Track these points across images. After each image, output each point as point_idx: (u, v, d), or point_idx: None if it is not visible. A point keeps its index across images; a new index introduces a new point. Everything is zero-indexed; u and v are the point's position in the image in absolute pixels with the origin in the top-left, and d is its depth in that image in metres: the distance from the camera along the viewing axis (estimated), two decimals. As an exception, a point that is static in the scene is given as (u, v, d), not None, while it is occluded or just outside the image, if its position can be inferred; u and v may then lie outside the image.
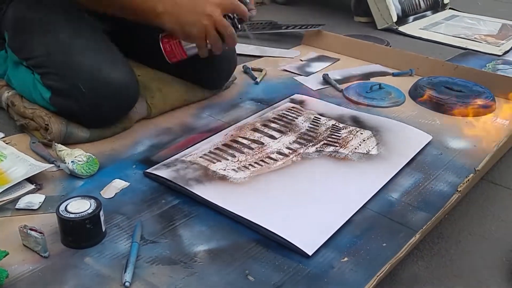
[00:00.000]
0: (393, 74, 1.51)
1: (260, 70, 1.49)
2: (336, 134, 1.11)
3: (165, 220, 0.84)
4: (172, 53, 1.07)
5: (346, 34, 1.83)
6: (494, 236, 0.89)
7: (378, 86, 1.38)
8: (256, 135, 1.09)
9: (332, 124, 1.16)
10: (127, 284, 0.70)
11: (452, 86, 1.36)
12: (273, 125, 1.14)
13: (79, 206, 0.77)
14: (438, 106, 1.28)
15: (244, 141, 1.06)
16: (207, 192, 0.89)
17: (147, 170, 0.96)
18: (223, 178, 0.94)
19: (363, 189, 0.93)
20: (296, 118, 1.18)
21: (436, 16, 2.31)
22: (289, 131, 1.11)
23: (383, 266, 0.73)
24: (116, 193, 0.90)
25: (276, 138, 1.08)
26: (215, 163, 0.98)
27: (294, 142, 1.07)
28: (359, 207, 0.88)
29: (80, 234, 0.77)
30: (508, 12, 2.43)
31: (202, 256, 0.77)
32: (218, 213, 0.86)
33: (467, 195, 0.99)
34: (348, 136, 1.10)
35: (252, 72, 1.46)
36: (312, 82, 1.44)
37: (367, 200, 0.90)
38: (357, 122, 1.18)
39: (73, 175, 0.94)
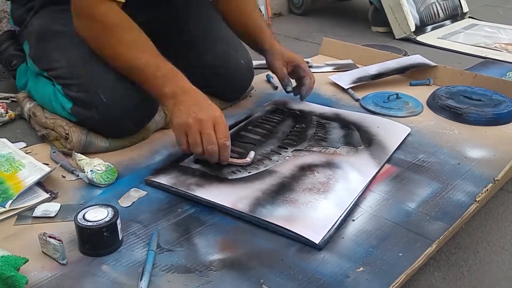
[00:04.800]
0: (411, 84, 1.50)
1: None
2: (321, 131, 1.16)
3: (181, 228, 0.85)
4: None
5: (364, 44, 1.83)
6: (513, 247, 0.88)
7: (396, 95, 1.37)
8: (247, 138, 1.12)
9: (317, 122, 1.21)
10: (143, 291, 0.71)
11: (471, 95, 1.34)
12: (262, 127, 1.18)
13: (96, 214, 0.78)
14: (456, 116, 1.27)
15: (237, 144, 1.09)
16: (210, 194, 0.91)
17: (148, 178, 0.97)
18: (223, 180, 0.96)
19: (357, 180, 0.98)
20: (283, 120, 1.22)
21: (455, 25, 2.29)
22: (278, 132, 1.16)
23: (399, 276, 0.73)
24: (133, 202, 0.91)
25: (267, 140, 1.12)
26: (211, 166, 1.00)
27: (284, 142, 1.11)
28: (357, 197, 0.93)
29: (97, 242, 0.78)
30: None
31: (217, 265, 0.77)
32: (233, 222, 0.87)
33: (485, 205, 0.98)
34: (334, 132, 1.16)
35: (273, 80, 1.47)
36: (345, 80, 1.48)
37: (362, 189, 0.95)
38: (339, 119, 1.23)
39: (91, 184, 0.96)
